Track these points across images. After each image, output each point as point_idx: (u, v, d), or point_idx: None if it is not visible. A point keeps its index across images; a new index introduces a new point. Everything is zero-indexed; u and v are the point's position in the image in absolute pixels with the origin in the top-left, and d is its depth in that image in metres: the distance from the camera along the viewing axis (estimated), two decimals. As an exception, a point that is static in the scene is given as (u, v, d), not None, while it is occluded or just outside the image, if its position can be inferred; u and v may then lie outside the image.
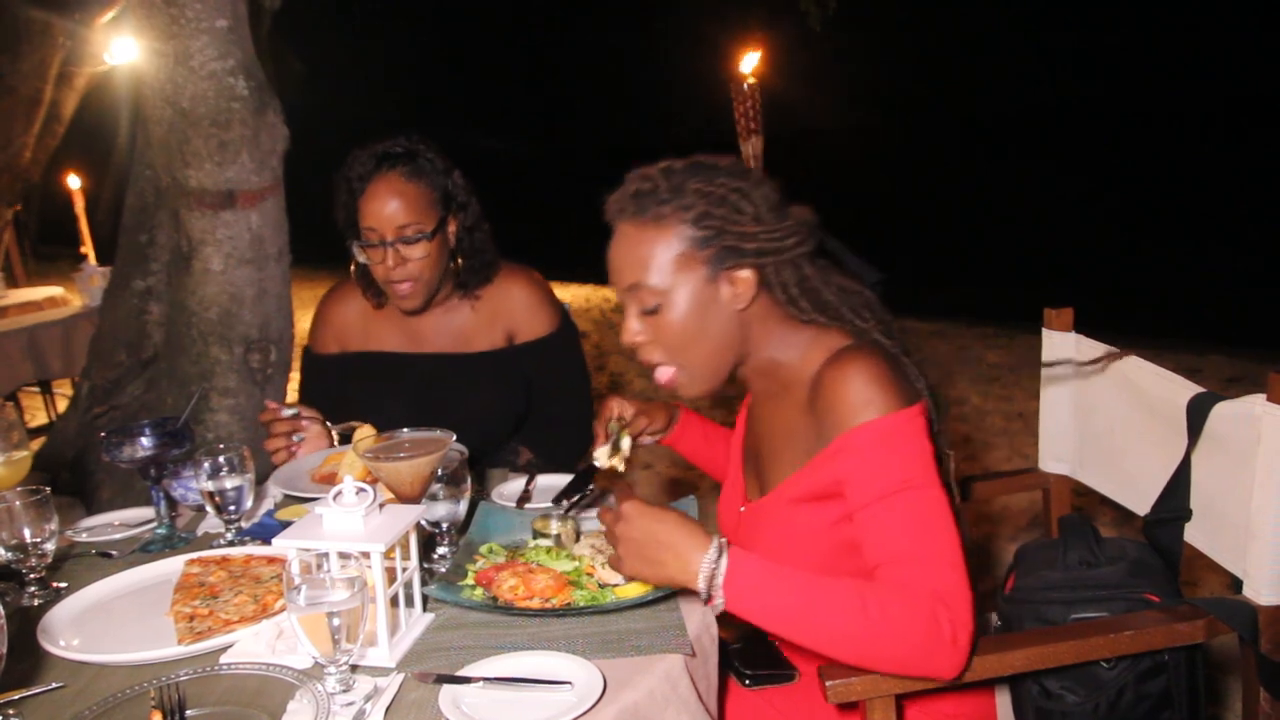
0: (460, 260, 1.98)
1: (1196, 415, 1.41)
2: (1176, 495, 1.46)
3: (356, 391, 2.00)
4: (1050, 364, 1.77)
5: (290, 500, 1.72)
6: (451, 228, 1.95)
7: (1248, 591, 1.35)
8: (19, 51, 5.49)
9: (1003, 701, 1.49)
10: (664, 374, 1.38)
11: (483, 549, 1.46)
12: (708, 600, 1.17)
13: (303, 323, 2.24)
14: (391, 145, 1.89)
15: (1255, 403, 1.32)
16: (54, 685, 1.16)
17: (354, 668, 1.11)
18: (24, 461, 1.58)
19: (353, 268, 1.99)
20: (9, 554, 1.38)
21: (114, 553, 1.57)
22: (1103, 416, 1.70)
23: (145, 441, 1.59)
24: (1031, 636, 1.33)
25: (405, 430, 1.43)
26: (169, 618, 1.29)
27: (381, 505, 1.22)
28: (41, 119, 5.83)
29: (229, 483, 1.51)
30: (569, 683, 1.08)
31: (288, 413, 1.87)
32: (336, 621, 1.03)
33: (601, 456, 1.57)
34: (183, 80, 2.38)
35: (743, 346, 1.37)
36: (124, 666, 1.19)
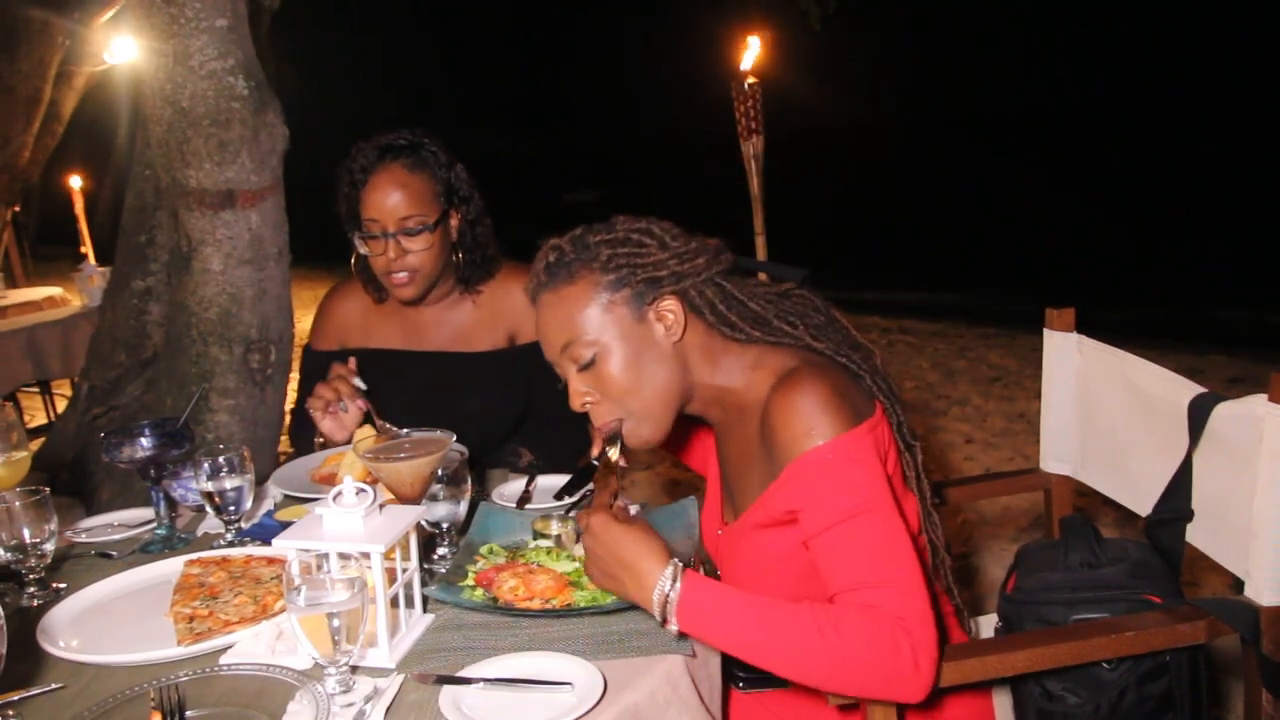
0: (461, 255, 1.98)
1: (1198, 416, 1.41)
2: (1178, 496, 1.46)
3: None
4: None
5: (290, 500, 1.72)
6: (454, 221, 1.95)
7: (1249, 592, 1.35)
8: (18, 51, 5.48)
9: (1004, 703, 1.49)
10: (612, 426, 1.36)
11: (483, 550, 1.46)
12: (663, 623, 1.17)
13: (303, 323, 2.24)
14: (395, 138, 1.90)
15: (1257, 403, 1.31)
16: (54, 686, 1.16)
17: (354, 669, 1.11)
18: (23, 461, 1.58)
19: (353, 260, 2.00)
20: (9, 554, 1.38)
21: (114, 553, 1.57)
22: (1104, 417, 1.69)
23: (145, 442, 1.58)
24: (1033, 637, 1.33)
25: (405, 430, 1.43)
26: (169, 618, 1.29)
27: (381, 506, 1.21)
28: (40, 118, 5.82)
29: (229, 483, 1.50)
30: (569, 684, 1.07)
31: (359, 383, 1.88)
32: (336, 622, 1.03)
33: (612, 453, 1.56)
34: (182, 80, 2.38)
35: (686, 379, 1.36)
36: (124, 667, 1.19)
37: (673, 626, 1.17)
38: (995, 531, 3.23)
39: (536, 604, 1.28)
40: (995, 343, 5.70)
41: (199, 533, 1.64)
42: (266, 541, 1.48)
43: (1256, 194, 9.88)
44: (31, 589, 1.41)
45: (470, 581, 1.36)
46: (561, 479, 1.74)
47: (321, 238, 2.03)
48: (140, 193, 3.10)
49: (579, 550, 1.41)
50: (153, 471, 1.58)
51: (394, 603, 1.21)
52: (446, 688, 1.08)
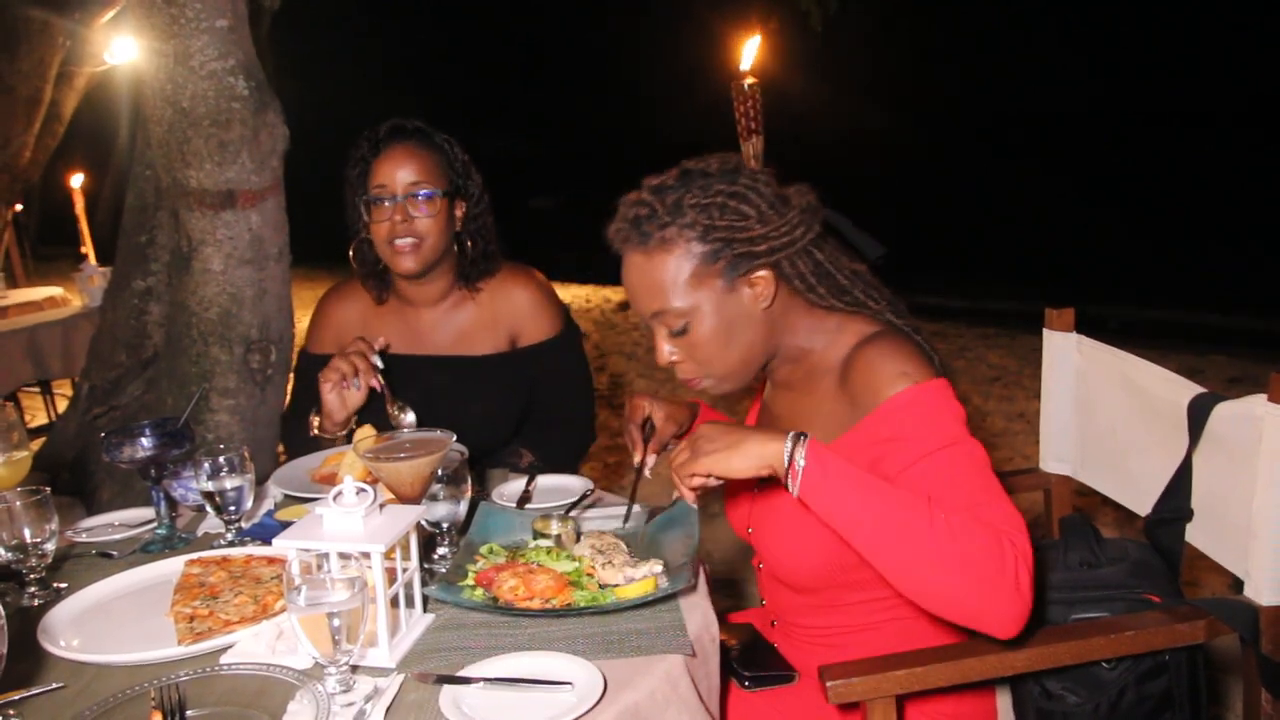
0: (464, 245, 2.00)
1: (1198, 415, 1.41)
2: (1178, 496, 1.46)
3: None
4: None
5: (290, 500, 1.72)
6: (459, 211, 1.97)
7: (1249, 592, 1.35)
8: (18, 51, 5.48)
9: (1003, 702, 1.49)
10: (695, 382, 1.39)
11: (483, 549, 1.46)
12: (789, 466, 1.17)
13: (303, 323, 2.24)
14: (407, 121, 1.96)
15: (1256, 403, 1.32)
16: (54, 685, 1.16)
17: (354, 668, 1.11)
18: (24, 461, 1.58)
19: (351, 252, 2.00)
20: (9, 554, 1.38)
21: (114, 553, 1.57)
22: (1104, 417, 1.69)
23: (145, 442, 1.59)
24: (1032, 637, 1.33)
25: (406, 430, 1.43)
26: (169, 618, 1.29)
27: (381, 506, 1.21)
28: (41, 119, 5.82)
29: (229, 483, 1.50)
30: (569, 683, 1.07)
31: (377, 361, 1.88)
32: (337, 622, 1.03)
33: (649, 463, 1.58)
34: (183, 80, 2.38)
35: (771, 341, 1.39)
36: (124, 667, 1.19)
37: (795, 486, 1.18)
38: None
39: (536, 604, 1.28)
40: (995, 342, 5.70)
41: (199, 532, 1.64)
42: (266, 541, 1.48)
43: (1256, 194, 9.87)
44: (32, 589, 1.41)
45: (470, 581, 1.36)
46: (561, 479, 1.75)
47: (322, 238, 2.03)
48: (140, 193, 3.10)
49: (579, 550, 1.41)
50: (153, 471, 1.58)
51: (394, 602, 1.21)
52: (446, 687, 1.09)
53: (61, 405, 4.44)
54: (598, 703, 1.05)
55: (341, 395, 1.87)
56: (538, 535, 1.48)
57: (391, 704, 1.08)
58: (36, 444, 3.34)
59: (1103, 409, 1.69)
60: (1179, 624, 1.31)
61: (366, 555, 1.13)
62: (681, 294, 1.32)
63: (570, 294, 7.60)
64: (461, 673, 1.12)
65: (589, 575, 1.35)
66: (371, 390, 1.89)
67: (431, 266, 1.96)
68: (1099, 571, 1.41)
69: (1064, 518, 1.53)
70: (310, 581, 1.06)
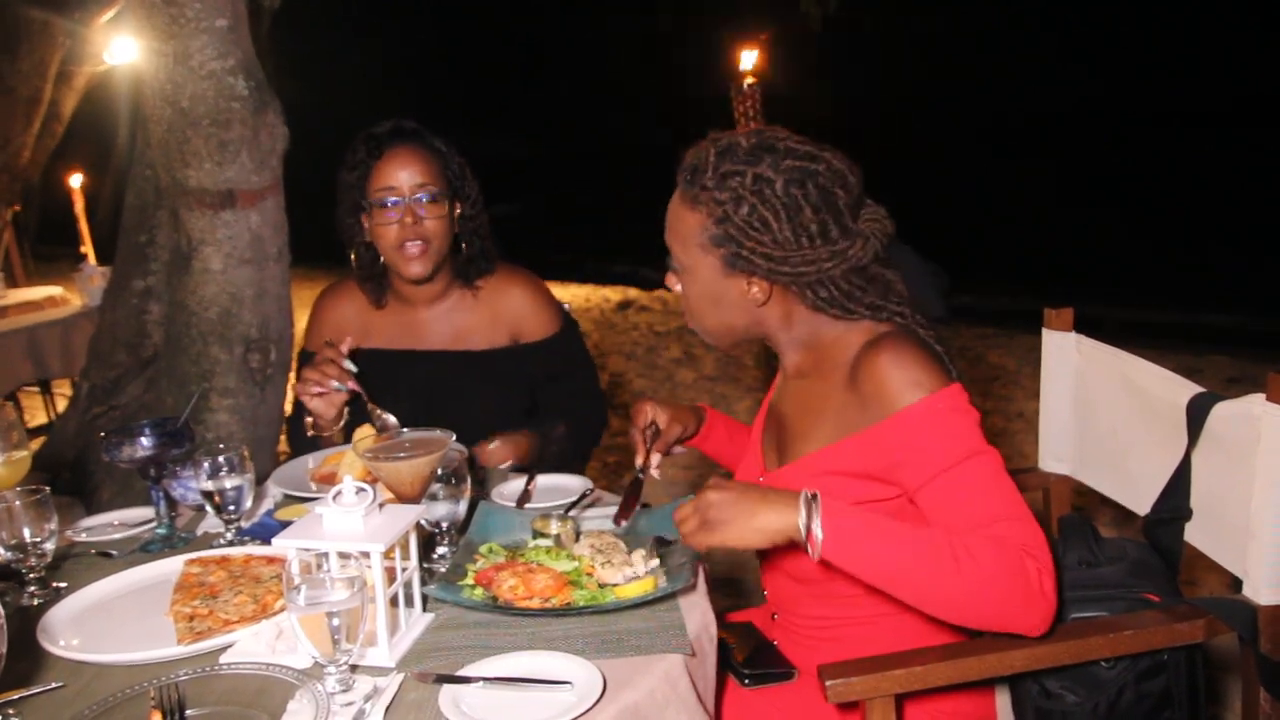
0: (463, 245, 2.00)
1: (1196, 415, 1.41)
2: (1176, 495, 1.46)
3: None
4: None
5: (290, 500, 1.72)
6: (457, 210, 1.97)
7: (1247, 591, 1.35)
8: (18, 51, 5.47)
9: (1003, 701, 1.49)
10: (686, 315, 1.45)
11: (482, 549, 1.46)
12: (807, 539, 1.18)
13: (302, 322, 2.24)
14: (403, 122, 1.96)
15: (1255, 403, 1.32)
16: (54, 685, 1.16)
17: (354, 668, 1.11)
18: (24, 461, 1.58)
19: (354, 257, 2.00)
20: (9, 554, 1.38)
21: (114, 552, 1.57)
22: (1103, 416, 1.69)
23: (145, 441, 1.59)
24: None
25: (405, 430, 1.43)
26: (169, 618, 1.29)
27: (381, 505, 1.22)
28: (41, 118, 5.82)
29: (229, 483, 1.51)
30: (569, 683, 1.08)
31: (349, 365, 1.88)
32: (336, 621, 1.03)
33: (653, 467, 1.59)
34: (182, 80, 2.38)
35: (758, 329, 1.41)
36: (124, 666, 1.19)
37: (816, 547, 1.18)
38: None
39: (536, 603, 1.28)
40: (993, 342, 5.70)
41: (199, 532, 1.64)
42: (266, 541, 1.48)
43: (1256, 194, 9.86)
44: (32, 588, 1.41)
45: (470, 580, 1.36)
46: (561, 479, 1.75)
47: (322, 238, 2.03)
48: (140, 193, 3.10)
49: (579, 549, 1.42)
50: (153, 471, 1.58)
51: (394, 602, 1.21)
52: (446, 687, 1.09)
53: (61, 405, 4.44)
54: (597, 702, 1.05)
55: (327, 398, 1.87)
56: (537, 535, 1.48)
57: (391, 703, 1.08)
58: (36, 444, 3.34)
59: (1102, 409, 1.69)
60: (1178, 623, 1.31)
61: (366, 555, 1.13)
62: (686, 250, 1.37)
63: (570, 294, 7.60)
64: (461, 672, 1.12)
65: (588, 575, 1.35)
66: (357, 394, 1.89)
67: (438, 269, 1.96)
68: (1098, 571, 1.41)
69: (1063, 517, 1.53)
70: (310, 581, 1.06)
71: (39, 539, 1.38)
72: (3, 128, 5.68)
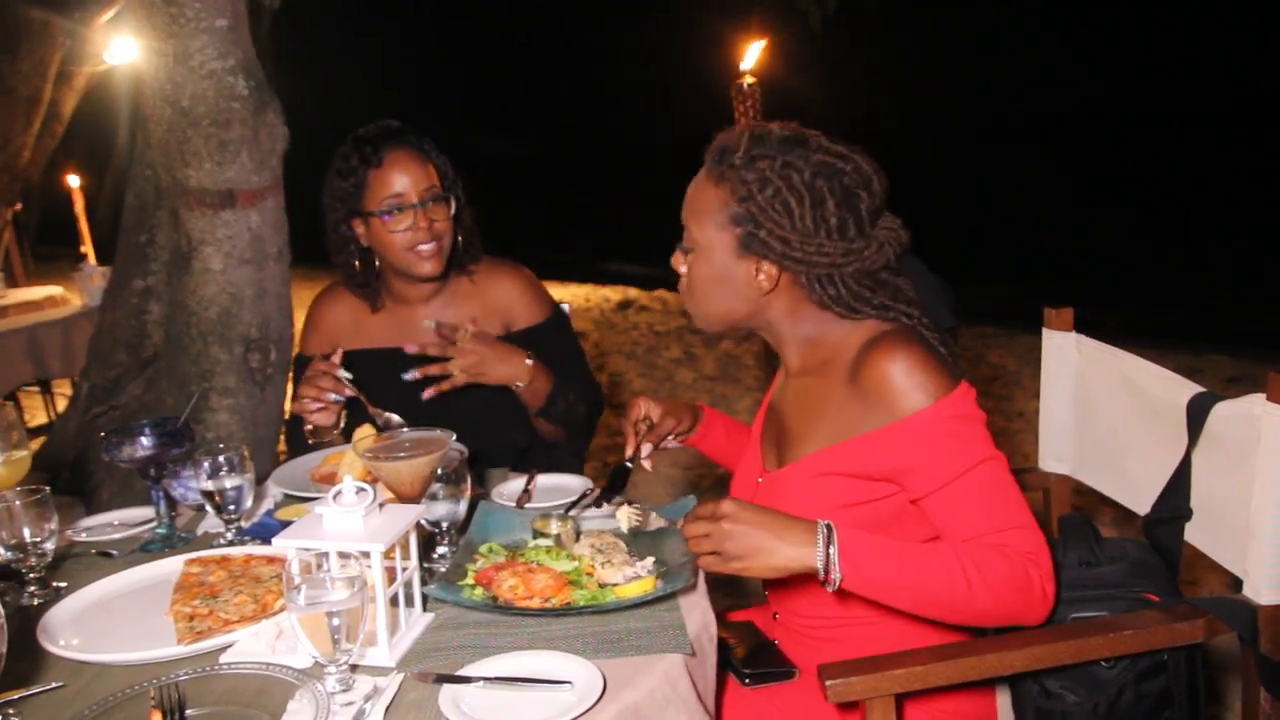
0: (459, 239, 2.02)
1: (1197, 415, 1.41)
2: (1176, 495, 1.46)
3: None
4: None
5: (290, 500, 1.72)
6: (451, 206, 1.98)
7: (1247, 591, 1.35)
8: (18, 51, 5.47)
9: (1003, 701, 1.49)
10: (683, 297, 1.45)
11: (482, 548, 1.46)
12: (825, 576, 1.20)
13: (301, 322, 2.24)
14: (392, 125, 1.96)
15: (1255, 402, 1.32)
16: (54, 685, 1.16)
17: (354, 667, 1.11)
18: (24, 461, 1.58)
19: (357, 264, 2.00)
20: (9, 554, 1.38)
21: (114, 552, 1.57)
22: (1103, 416, 1.70)
23: (145, 441, 1.59)
24: (1031, 636, 1.33)
25: (405, 429, 1.43)
26: (169, 617, 1.29)
27: (381, 505, 1.22)
28: (41, 118, 5.82)
29: (229, 482, 1.51)
30: (569, 682, 1.08)
31: (344, 374, 1.89)
32: (336, 621, 1.03)
33: (643, 457, 1.61)
34: (182, 80, 2.38)
35: (759, 318, 1.41)
36: (124, 666, 1.19)
37: (834, 582, 1.21)
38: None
39: (536, 603, 1.28)
40: (993, 342, 5.70)
41: (199, 532, 1.64)
42: (266, 541, 1.48)
43: (1256, 194, 9.86)
44: (32, 588, 1.41)
45: (470, 580, 1.36)
46: (561, 478, 1.75)
47: (321, 238, 2.03)
48: (140, 192, 3.10)
49: (578, 549, 1.42)
50: (153, 471, 1.58)
51: (394, 601, 1.21)
52: (446, 686, 1.09)
53: (61, 405, 4.44)
54: (597, 702, 1.05)
55: (322, 413, 1.88)
56: (537, 534, 1.48)
57: (391, 703, 1.08)
58: (36, 444, 3.35)
59: (1102, 408, 1.69)
60: (1178, 623, 1.31)
61: (366, 554, 1.13)
62: (702, 227, 1.37)
63: (570, 293, 7.60)
64: (461, 672, 1.12)
65: (588, 574, 1.35)
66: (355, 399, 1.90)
67: (447, 266, 2.00)
68: (1098, 570, 1.41)
69: (1063, 517, 1.54)
70: (310, 581, 1.06)
71: (39, 539, 1.38)
72: (3, 128, 5.68)
